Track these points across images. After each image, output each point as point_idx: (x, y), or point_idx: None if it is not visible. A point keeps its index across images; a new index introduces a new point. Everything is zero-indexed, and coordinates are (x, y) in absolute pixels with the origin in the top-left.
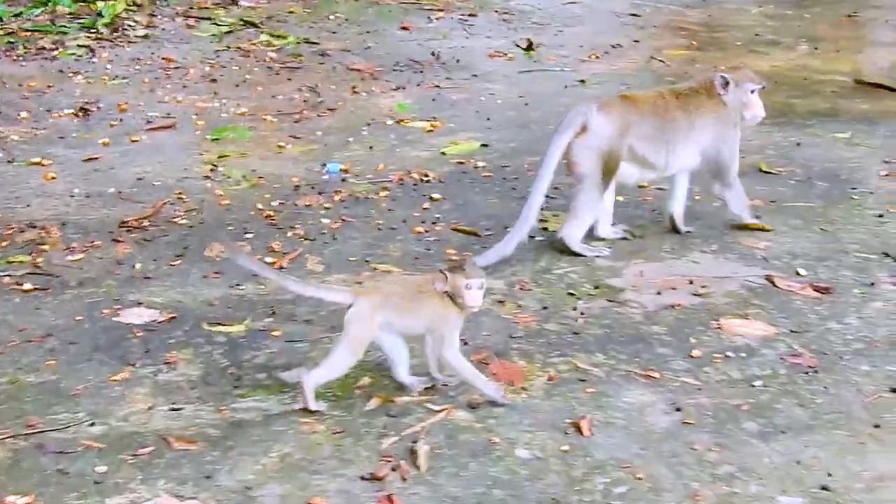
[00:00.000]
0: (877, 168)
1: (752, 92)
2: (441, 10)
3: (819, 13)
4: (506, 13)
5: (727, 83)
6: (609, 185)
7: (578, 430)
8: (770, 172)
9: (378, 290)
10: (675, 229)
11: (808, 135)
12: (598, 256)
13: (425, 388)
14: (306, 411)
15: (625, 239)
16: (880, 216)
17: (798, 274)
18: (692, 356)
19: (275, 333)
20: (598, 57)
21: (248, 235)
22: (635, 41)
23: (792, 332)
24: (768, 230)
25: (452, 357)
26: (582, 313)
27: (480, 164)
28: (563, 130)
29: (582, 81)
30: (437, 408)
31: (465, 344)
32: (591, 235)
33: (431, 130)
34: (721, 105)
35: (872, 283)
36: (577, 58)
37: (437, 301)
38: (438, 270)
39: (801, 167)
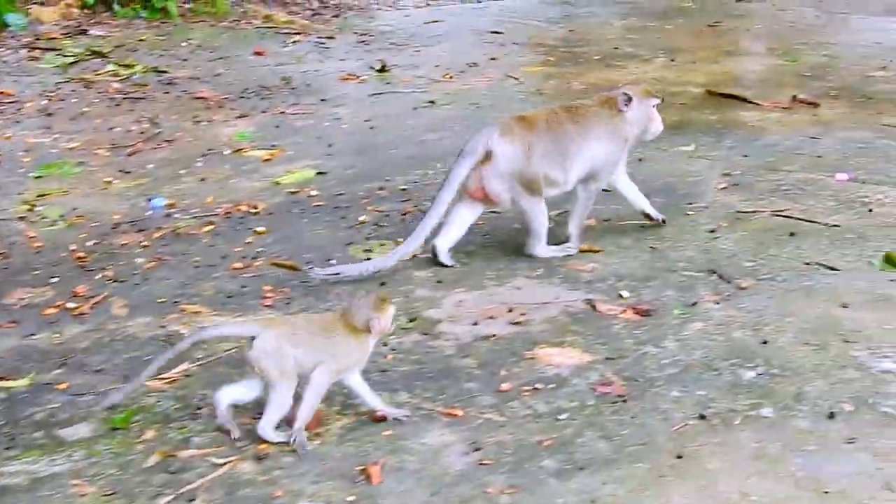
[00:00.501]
0: (716, 181)
1: (654, 106)
2: (298, 34)
3: (681, 24)
4: (365, 34)
5: (630, 99)
6: (542, 194)
7: (368, 477)
8: (608, 191)
9: (286, 323)
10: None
11: (653, 149)
12: (567, 254)
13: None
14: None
15: (452, 266)
16: (712, 231)
17: (621, 297)
18: (500, 390)
19: (60, 387)
20: (452, 77)
21: (53, 279)
22: (493, 59)
23: (607, 359)
24: (597, 251)
25: (323, 381)
26: (393, 349)
27: (314, 192)
28: (465, 156)
29: (432, 102)
30: (221, 461)
31: None
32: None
33: (269, 159)
34: (618, 120)
35: (695, 303)
36: (431, 78)
37: (351, 336)
38: (362, 314)
39: (640, 183)
